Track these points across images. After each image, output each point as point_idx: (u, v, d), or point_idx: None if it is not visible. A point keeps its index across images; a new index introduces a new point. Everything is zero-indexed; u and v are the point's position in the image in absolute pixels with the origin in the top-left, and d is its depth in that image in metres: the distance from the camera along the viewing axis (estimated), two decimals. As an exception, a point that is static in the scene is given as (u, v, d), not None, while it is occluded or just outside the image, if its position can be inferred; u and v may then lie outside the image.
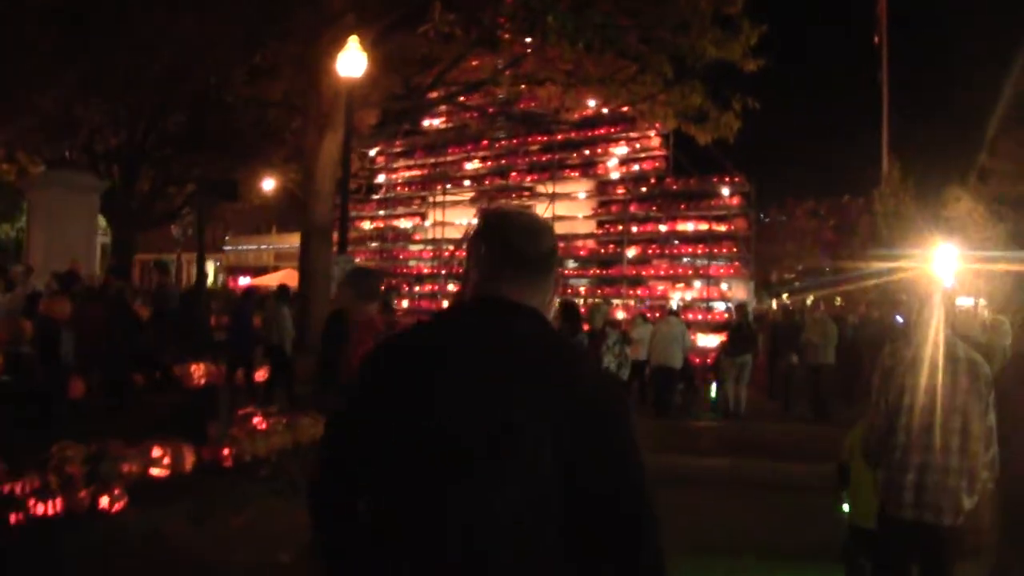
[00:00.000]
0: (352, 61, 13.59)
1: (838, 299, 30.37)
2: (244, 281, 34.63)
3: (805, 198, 37.40)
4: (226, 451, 7.74)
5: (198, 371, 11.99)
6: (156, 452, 7.30)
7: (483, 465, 1.93)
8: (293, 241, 24.48)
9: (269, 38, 17.24)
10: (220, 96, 21.36)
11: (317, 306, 15.35)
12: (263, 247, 41.35)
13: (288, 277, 24.89)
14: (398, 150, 30.52)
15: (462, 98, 21.79)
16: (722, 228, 22.29)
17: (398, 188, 30.38)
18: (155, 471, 7.28)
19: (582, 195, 25.17)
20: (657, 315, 17.81)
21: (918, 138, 34.09)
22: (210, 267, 51.16)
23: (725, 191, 22.32)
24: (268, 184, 29.47)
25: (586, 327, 11.26)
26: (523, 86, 19.85)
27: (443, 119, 28.91)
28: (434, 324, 2.22)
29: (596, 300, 20.02)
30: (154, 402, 10.20)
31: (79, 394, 10.04)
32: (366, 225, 30.61)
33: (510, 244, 2.16)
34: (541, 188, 25.13)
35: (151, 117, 22.52)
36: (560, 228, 24.44)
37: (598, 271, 24.30)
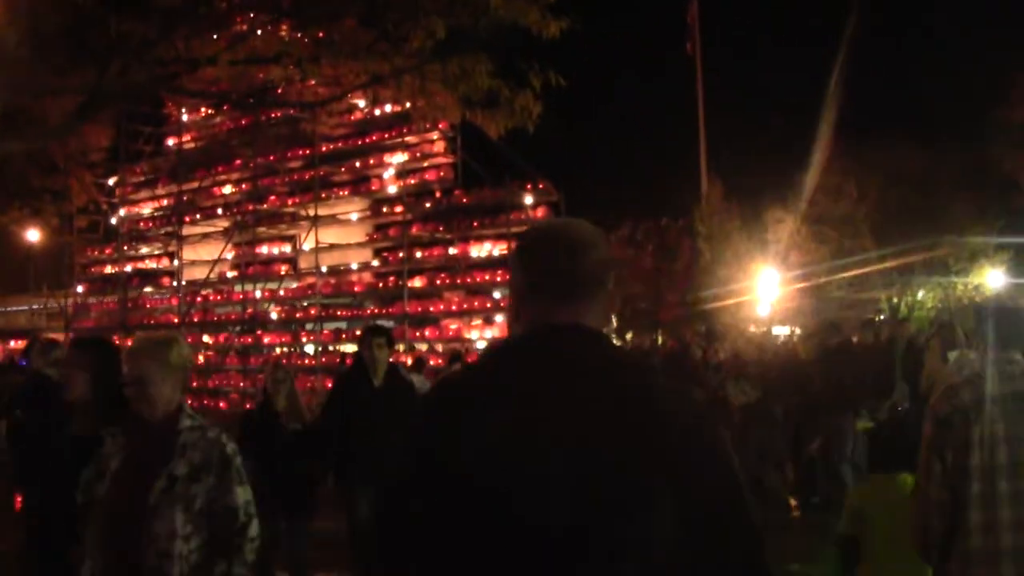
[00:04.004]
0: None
1: (659, 335, 27.36)
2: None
3: (620, 223, 33.93)
4: None
5: None
6: None
7: (600, 540, 1.76)
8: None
9: None
10: None
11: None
12: (36, 307, 34.86)
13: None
14: (141, 179, 25.47)
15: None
16: (525, 248, 17.96)
17: (141, 224, 25.13)
18: None
19: (354, 217, 20.60)
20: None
21: (739, 155, 31.48)
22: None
23: (528, 200, 17.96)
24: (32, 235, 25.40)
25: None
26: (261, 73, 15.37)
27: (189, 136, 24.07)
28: (496, 366, 2.05)
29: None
30: None
31: None
32: (108, 270, 25.32)
33: (557, 262, 2.02)
34: (305, 212, 20.45)
35: None
36: (329, 260, 19.93)
37: (376, 310, 19.61)
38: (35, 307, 31.67)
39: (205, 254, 22.31)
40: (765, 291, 26.61)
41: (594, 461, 1.79)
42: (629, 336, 30.34)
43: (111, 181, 25.20)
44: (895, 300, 31.86)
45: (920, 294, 32.48)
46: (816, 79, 28.12)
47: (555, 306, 1.99)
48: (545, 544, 1.76)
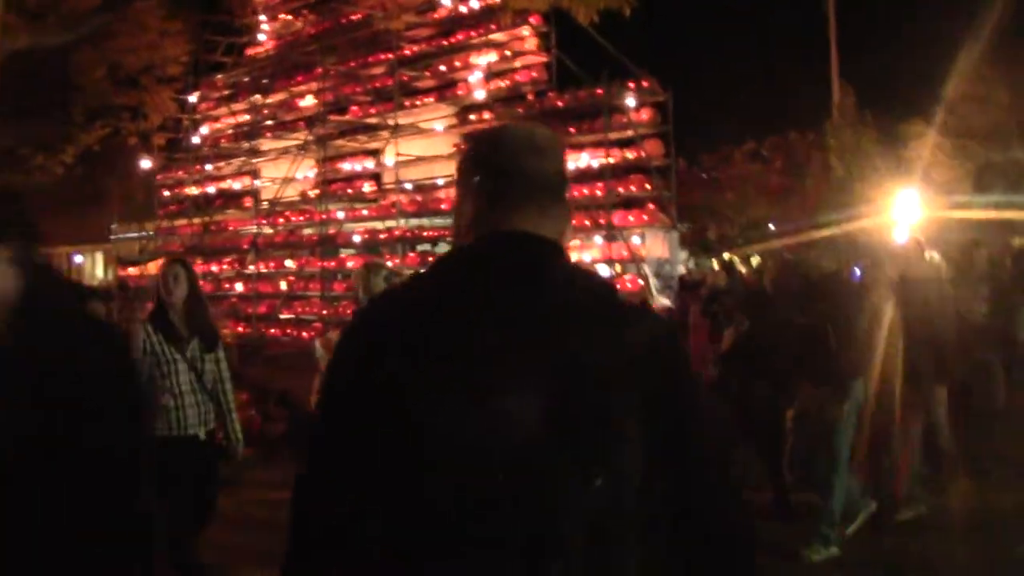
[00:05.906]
0: None
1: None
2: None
3: (743, 136, 31.45)
4: None
5: None
6: None
7: (562, 471, 1.56)
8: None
9: None
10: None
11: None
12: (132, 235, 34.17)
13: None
14: (222, 94, 23.89)
15: None
16: (629, 156, 15.50)
17: (223, 141, 23.57)
18: None
19: (440, 127, 18.50)
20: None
21: (875, 60, 28.60)
22: (99, 259, 44.27)
23: (630, 101, 15.45)
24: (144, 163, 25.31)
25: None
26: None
27: (268, 44, 22.33)
28: (443, 278, 1.79)
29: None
30: None
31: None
32: (192, 191, 23.90)
33: (518, 165, 1.84)
34: (387, 122, 18.46)
35: None
36: (413, 174, 18.03)
37: (465, 230, 17.61)
38: (131, 236, 30.85)
39: (287, 171, 20.68)
40: (904, 212, 23.90)
41: (556, 377, 1.58)
42: (755, 260, 28.09)
43: (192, 98, 23.83)
44: (1049, 225, 28.81)
45: (1081, 217, 29.31)
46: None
47: (511, 214, 1.81)
48: (500, 473, 1.56)
